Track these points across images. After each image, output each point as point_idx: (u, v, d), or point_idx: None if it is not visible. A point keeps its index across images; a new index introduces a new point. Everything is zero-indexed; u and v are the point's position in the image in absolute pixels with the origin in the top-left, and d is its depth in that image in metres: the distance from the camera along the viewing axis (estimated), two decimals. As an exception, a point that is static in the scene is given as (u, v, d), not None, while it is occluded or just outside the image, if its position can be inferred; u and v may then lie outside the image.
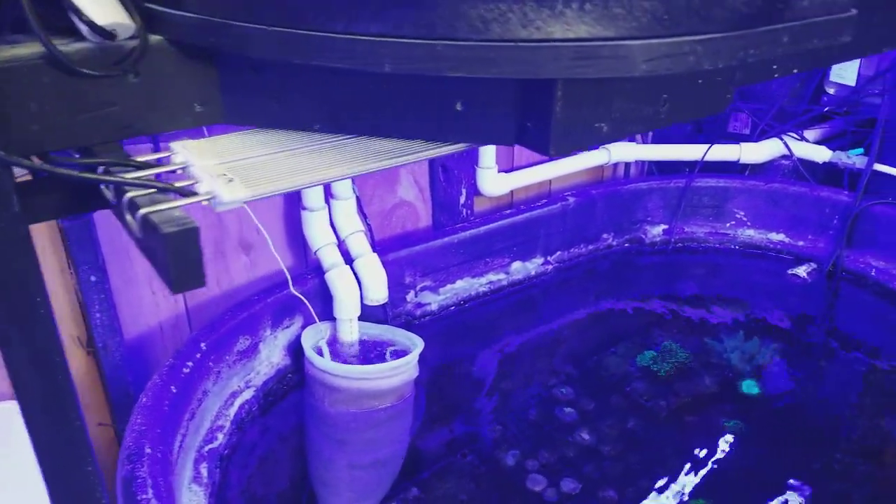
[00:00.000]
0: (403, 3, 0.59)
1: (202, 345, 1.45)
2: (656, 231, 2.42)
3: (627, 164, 2.57)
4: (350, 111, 0.76)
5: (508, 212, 2.14)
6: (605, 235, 2.37)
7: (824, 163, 2.33)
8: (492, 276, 2.12)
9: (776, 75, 0.79)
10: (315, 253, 1.73)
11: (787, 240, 2.34)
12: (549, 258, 2.25)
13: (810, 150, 2.37)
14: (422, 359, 1.59)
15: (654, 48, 0.59)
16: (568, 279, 2.29)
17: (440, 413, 1.87)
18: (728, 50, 0.62)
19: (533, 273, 2.20)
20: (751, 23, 0.62)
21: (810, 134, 2.49)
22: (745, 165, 2.44)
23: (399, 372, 1.57)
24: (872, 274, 2.13)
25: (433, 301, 2.00)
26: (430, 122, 0.76)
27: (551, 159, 2.24)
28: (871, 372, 2.00)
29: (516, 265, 2.18)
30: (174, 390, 1.32)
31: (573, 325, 2.22)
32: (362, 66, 0.62)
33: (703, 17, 0.60)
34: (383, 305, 1.82)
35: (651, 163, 2.59)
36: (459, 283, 2.05)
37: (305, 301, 1.65)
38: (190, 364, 1.40)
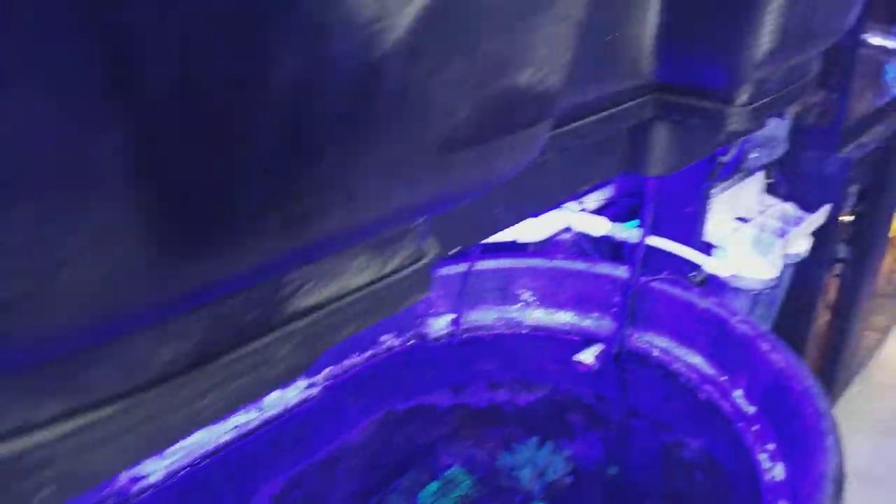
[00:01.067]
0: None
1: None
2: (441, 323, 2.17)
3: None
4: None
5: (254, 334, 1.77)
6: (383, 338, 2.07)
7: (602, 236, 2.23)
8: (240, 419, 1.73)
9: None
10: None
11: (574, 320, 2.19)
12: (315, 378, 1.90)
13: (589, 222, 2.25)
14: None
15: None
16: (342, 397, 1.95)
17: None
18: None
19: (295, 401, 1.84)
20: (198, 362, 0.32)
21: (592, 202, 2.39)
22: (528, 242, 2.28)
23: None
24: (655, 354, 2.02)
25: (155, 470, 1.56)
26: None
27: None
28: (663, 468, 1.87)
29: (272, 397, 1.80)
30: None
31: (349, 454, 1.89)
32: None
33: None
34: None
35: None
36: (192, 439, 1.64)
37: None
38: None
